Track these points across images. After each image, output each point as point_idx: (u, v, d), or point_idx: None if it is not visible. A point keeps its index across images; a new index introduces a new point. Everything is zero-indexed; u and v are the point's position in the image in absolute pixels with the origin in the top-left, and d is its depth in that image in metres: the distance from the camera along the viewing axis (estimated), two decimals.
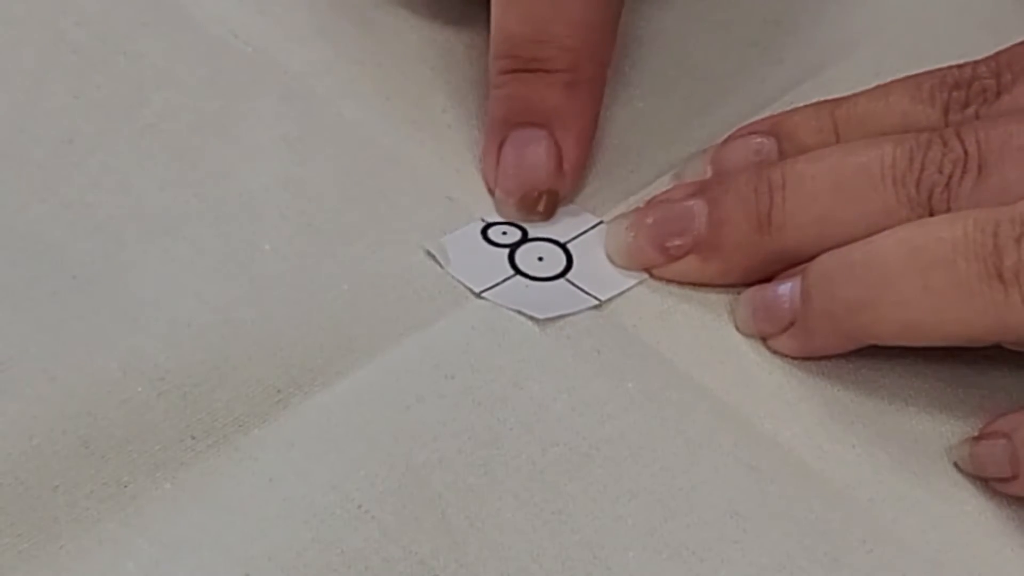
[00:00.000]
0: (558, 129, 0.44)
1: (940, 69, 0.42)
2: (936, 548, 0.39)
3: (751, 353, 0.43)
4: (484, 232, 0.45)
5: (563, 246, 0.45)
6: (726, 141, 0.44)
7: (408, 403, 0.40)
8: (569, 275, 0.44)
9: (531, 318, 0.42)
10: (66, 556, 0.37)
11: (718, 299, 0.44)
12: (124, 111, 0.47)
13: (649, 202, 0.44)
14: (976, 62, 0.42)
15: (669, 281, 0.44)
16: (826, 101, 0.43)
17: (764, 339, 0.42)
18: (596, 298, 0.43)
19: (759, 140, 0.43)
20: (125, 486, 0.38)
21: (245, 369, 0.41)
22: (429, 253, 0.44)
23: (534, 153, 0.43)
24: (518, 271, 0.44)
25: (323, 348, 0.41)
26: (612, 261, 0.44)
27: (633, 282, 0.44)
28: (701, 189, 0.43)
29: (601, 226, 0.45)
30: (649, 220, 0.43)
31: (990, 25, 0.51)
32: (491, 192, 0.45)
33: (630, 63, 0.50)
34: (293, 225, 0.44)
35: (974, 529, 0.39)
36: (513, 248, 0.44)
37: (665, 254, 0.43)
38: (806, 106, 0.43)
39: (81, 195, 0.44)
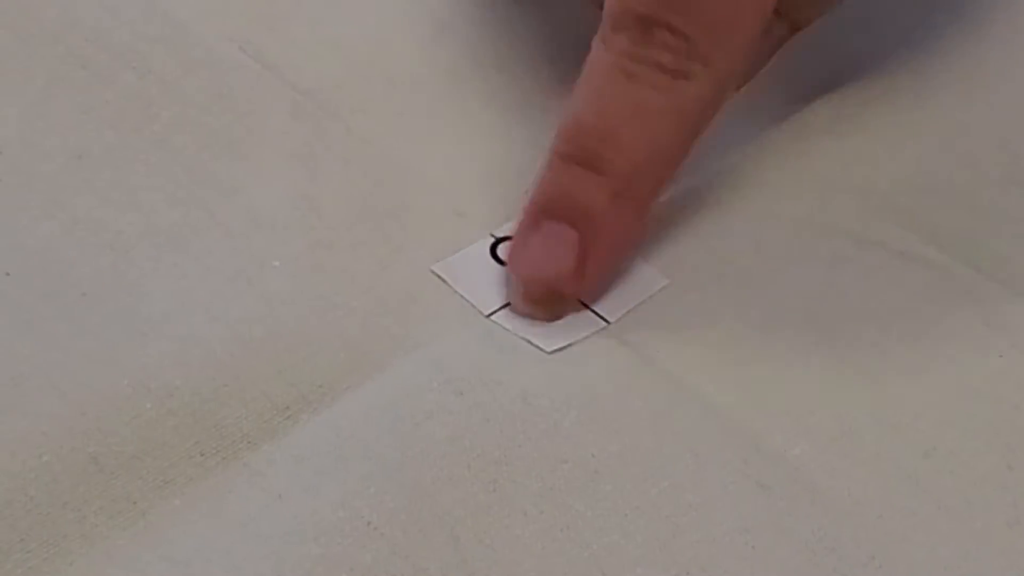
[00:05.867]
0: (591, 234, 0.43)
1: None
2: (946, 565, 0.39)
3: (760, 369, 0.43)
4: (493, 249, 0.45)
5: None
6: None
7: (417, 420, 0.40)
8: None
9: (538, 348, 0.42)
10: (75, 573, 0.37)
11: (727, 315, 0.44)
12: (133, 127, 0.47)
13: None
14: None
15: (678, 298, 0.44)
16: None
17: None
18: (605, 319, 0.43)
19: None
20: (134, 502, 0.38)
21: (254, 386, 0.41)
22: (437, 275, 0.44)
23: (559, 251, 0.42)
24: None
25: (332, 365, 0.41)
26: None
27: (642, 297, 0.44)
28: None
29: None
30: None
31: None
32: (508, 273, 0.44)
33: None
34: (303, 241, 0.44)
35: (984, 546, 0.39)
36: None
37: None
38: None
39: (90, 211, 0.44)
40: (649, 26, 0.42)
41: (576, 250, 0.42)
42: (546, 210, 0.43)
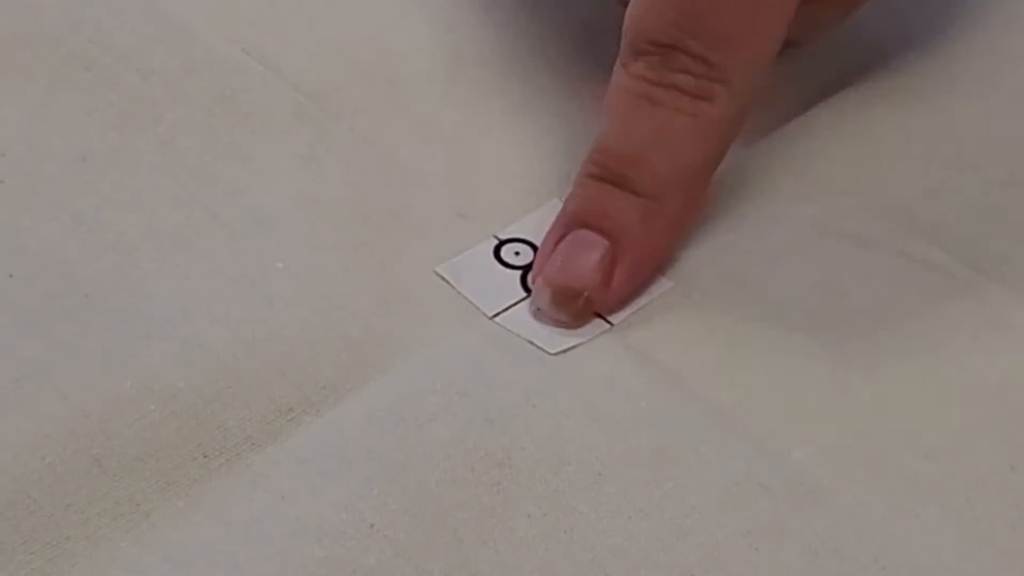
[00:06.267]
0: (620, 247, 0.43)
1: None
2: (949, 567, 0.39)
3: (763, 371, 0.43)
4: (497, 251, 0.45)
5: None
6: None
7: (421, 421, 0.40)
8: None
9: (542, 350, 0.42)
10: (78, 574, 0.37)
11: (730, 317, 0.44)
12: (137, 128, 0.47)
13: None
14: None
15: (681, 300, 0.44)
16: None
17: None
18: (608, 321, 0.43)
19: None
20: (138, 504, 0.38)
21: (257, 387, 0.41)
22: (440, 276, 0.44)
23: (588, 257, 0.43)
24: (530, 293, 0.44)
25: (336, 366, 0.41)
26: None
27: (646, 300, 0.44)
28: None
29: None
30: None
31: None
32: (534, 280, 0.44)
33: None
34: (306, 243, 0.44)
35: (987, 548, 0.39)
36: (525, 270, 0.44)
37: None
38: None
39: (94, 212, 0.44)
40: (668, 51, 0.42)
41: (606, 260, 0.43)
42: (578, 219, 0.43)
